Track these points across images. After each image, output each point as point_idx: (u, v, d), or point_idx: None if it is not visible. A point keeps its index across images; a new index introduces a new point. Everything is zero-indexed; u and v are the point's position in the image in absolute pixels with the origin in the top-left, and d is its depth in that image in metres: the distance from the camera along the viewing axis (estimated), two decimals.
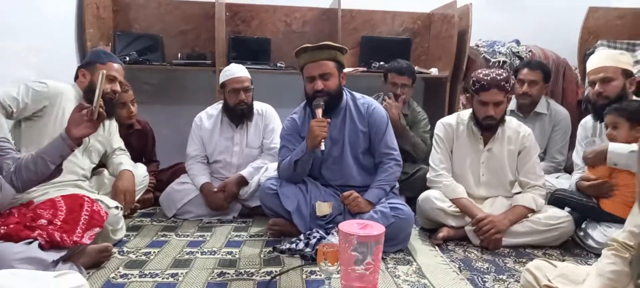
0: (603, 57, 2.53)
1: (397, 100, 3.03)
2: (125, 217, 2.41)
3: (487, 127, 2.44)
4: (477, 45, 3.73)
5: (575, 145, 2.72)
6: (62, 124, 2.05)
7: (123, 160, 2.58)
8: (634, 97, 2.51)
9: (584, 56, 3.59)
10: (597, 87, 2.48)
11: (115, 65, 2.37)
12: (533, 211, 2.37)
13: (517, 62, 3.55)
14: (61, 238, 1.72)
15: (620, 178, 2.27)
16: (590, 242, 2.31)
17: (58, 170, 1.83)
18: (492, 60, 3.57)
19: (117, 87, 2.37)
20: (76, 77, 2.35)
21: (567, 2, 3.96)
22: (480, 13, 3.61)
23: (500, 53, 3.61)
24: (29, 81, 2.19)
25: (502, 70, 2.43)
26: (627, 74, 2.47)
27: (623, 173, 2.24)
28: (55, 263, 1.66)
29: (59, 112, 2.19)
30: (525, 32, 3.87)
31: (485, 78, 2.35)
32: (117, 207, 2.23)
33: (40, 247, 1.66)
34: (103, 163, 2.59)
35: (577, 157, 2.65)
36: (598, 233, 2.27)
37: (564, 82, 3.63)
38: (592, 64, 2.55)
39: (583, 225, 2.41)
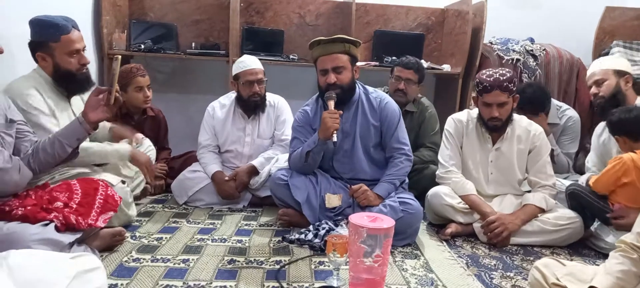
0: (594, 65, 2.75)
1: (399, 92, 2.97)
2: (135, 198, 2.43)
3: (493, 128, 2.44)
4: (491, 43, 3.71)
5: (590, 152, 2.68)
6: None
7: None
8: (635, 95, 2.59)
9: (598, 56, 3.55)
10: (593, 89, 2.70)
11: (73, 36, 2.10)
12: (543, 211, 2.36)
13: (531, 60, 3.51)
14: (76, 221, 1.76)
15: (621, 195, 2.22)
16: (601, 243, 2.29)
17: (74, 153, 1.88)
18: (506, 58, 3.54)
19: (86, 59, 2.16)
20: (36, 61, 2.15)
21: (583, 1, 3.93)
22: (494, 10, 3.60)
23: (513, 51, 3.58)
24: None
25: (506, 70, 2.39)
26: (619, 73, 2.61)
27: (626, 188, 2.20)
28: (70, 245, 1.69)
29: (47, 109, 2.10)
30: (539, 31, 3.85)
31: (488, 80, 2.33)
32: (123, 182, 2.24)
33: (56, 228, 1.69)
34: None
35: (589, 162, 2.64)
36: (609, 234, 2.25)
37: (577, 82, 3.61)
38: (587, 74, 2.79)
39: (594, 227, 2.40)
